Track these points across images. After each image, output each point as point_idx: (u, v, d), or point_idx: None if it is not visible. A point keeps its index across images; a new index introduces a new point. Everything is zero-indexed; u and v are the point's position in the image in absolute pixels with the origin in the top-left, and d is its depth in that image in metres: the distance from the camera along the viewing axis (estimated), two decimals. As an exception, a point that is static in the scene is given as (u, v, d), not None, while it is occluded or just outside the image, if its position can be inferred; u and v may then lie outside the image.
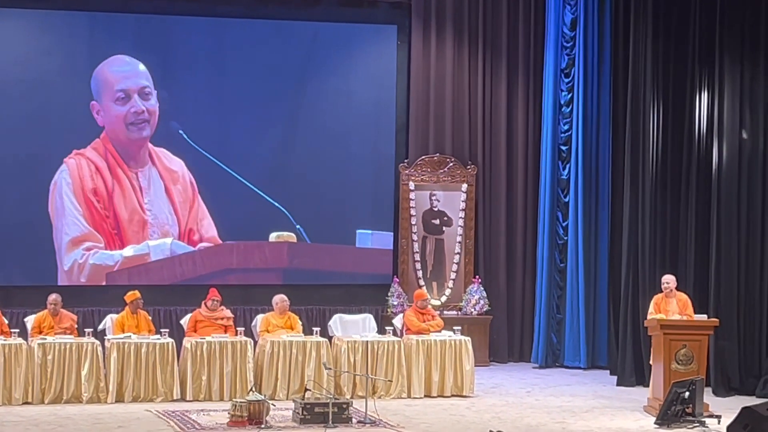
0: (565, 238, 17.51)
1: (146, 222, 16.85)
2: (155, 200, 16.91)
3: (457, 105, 17.80)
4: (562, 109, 17.58)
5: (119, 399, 13.83)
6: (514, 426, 12.75)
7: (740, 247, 15.50)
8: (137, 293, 14.65)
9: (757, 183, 15.53)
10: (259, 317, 15.18)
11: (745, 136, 15.58)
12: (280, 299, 14.97)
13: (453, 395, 14.60)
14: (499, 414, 13.52)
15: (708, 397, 13.82)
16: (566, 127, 17.54)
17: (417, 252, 17.60)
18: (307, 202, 17.34)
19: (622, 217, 16.30)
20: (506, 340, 17.75)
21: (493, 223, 17.88)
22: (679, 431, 12.62)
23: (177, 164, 17.02)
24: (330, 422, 12.39)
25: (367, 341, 14.46)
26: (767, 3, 15.50)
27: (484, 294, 17.37)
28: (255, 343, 14.67)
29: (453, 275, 17.66)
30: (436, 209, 17.73)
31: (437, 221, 17.74)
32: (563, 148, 17.57)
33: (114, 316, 14.81)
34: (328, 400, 12.62)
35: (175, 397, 13.96)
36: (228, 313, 14.95)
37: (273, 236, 17.29)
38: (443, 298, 17.53)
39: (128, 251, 16.75)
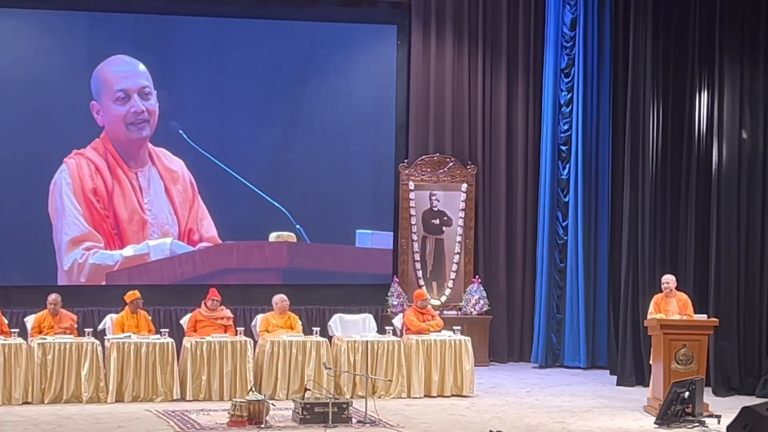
0: (565, 237, 17.51)
1: (146, 222, 16.86)
2: (155, 200, 16.91)
3: (456, 105, 17.81)
4: (562, 109, 17.58)
5: (119, 399, 13.83)
6: (513, 426, 12.75)
7: (740, 247, 15.51)
8: (137, 293, 14.65)
9: (757, 183, 15.53)
10: (259, 317, 15.18)
11: (744, 135, 15.58)
12: (279, 299, 14.97)
13: (453, 395, 14.60)
14: (498, 414, 13.52)
15: (708, 396, 13.82)
16: (566, 127, 17.55)
17: (417, 252, 17.60)
18: (307, 202, 17.35)
19: (622, 217, 16.30)
20: (506, 339, 17.76)
21: (493, 223, 17.89)
22: (678, 431, 12.62)
23: (177, 164, 17.02)
24: (330, 422, 12.39)
25: (367, 341, 14.47)
26: (767, 3, 15.49)
27: (484, 294, 17.38)
28: (255, 342, 14.68)
29: (453, 275, 17.66)
30: (435, 209, 17.73)
31: (437, 221, 17.74)
32: (563, 147, 17.57)
33: (114, 315, 14.81)
34: (328, 400, 12.62)
35: (174, 397, 13.96)
36: (228, 313, 14.95)
37: (273, 236, 17.29)
38: (443, 298, 17.53)
39: (128, 251, 16.76)
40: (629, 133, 16.16)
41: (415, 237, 17.60)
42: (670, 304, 14.06)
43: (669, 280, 14.20)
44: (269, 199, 17.21)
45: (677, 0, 15.96)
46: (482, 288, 17.41)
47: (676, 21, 15.97)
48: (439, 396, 14.57)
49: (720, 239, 15.46)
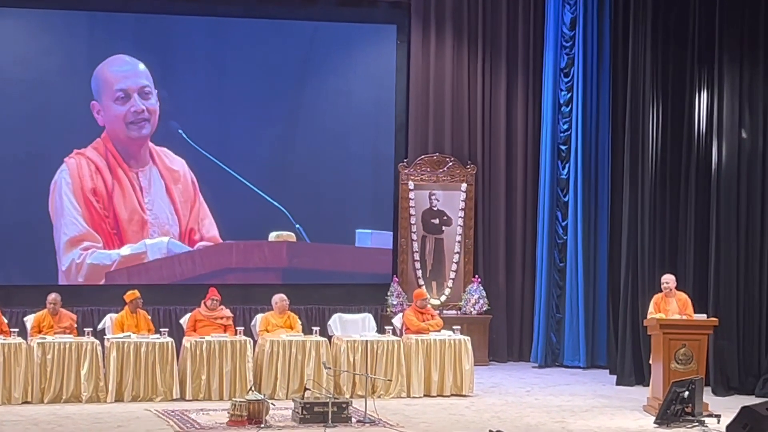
0: (565, 237, 17.51)
1: (146, 222, 16.86)
2: (156, 200, 16.91)
3: (456, 104, 17.81)
4: (562, 109, 17.58)
5: (119, 398, 13.83)
6: (513, 425, 12.75)
7: (739, 247, 15.51)
8: (137, 293, 14.65)
9: (757, 182, 15.53)
10: (259, 317, 15.18)
11: (744, 135, 15.58)
12: (279, 299, 14.97)
13: (452, 395, 14.60)
14: (498, 413, 13.52)
15: (707, 396, 13.83)
16: (566, 127, 17.55)
17: (416, 251, 17.60)
18: (307, 201, 17.35)
19: (622, 217, 16.30)
20: (506, 339, 17.76)
21: (493, 222, 17.89)
22: (678, 431, 12.62)
23: (178, 163, 17.02)
24: (329, 422, 12.38)
25: (367, 341, 14.47)
26: (766, 2, 15.49)
27: (484, 293, 17.38)
28: (254, 342, 14.68)
29: (452, 275, 17.66)
30: (435, 209, 17.74)
31: (437, 221, 17.74)
32: (563, 147, 17.57)
33: (113, 315, 14.81)
34: (328, 400, 12.62)
35: (174, 397, 13.96)
36: (227, 312, 14.95)
37: (272, 236, 17.29)
38: (443, 298, 17.54)
39: (125, 250, 16.75)
40: (629, 132, 16.16)
41: (414, 236, 17.61)
42: (669, 304, 14.06)
43: (669, 279, 14.21)
44: (269, 199, 17.21)
45: (677, 0, 15.97)
46: (482, 287, 17.41)
47: (676, 20, 15.98)
48: (438, 395, 14.57)
49: (719, 239, 15.46)
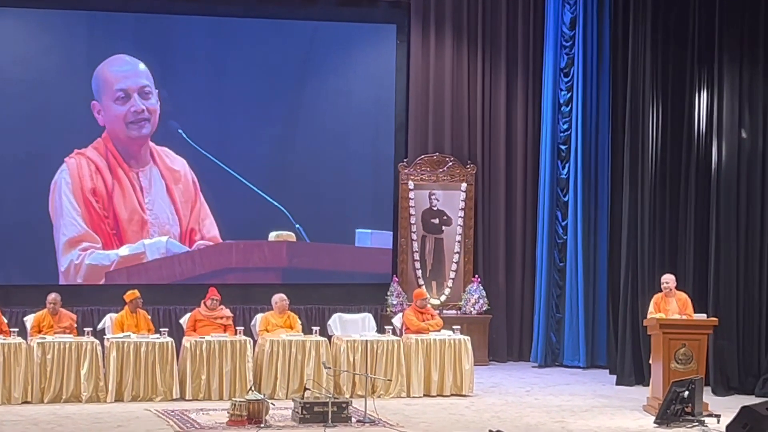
0: (565, 237, 17.51)
1: (146, 222, 16.85)
2: (156, 200, 16.91)
3: (456, 104, 17.81)
4: (562, 109, 17.58)
5: (118, 398, 13.83)
6: (513, 425, 12.75)
7: (739, 247, 15.51)
8: (137, 292, 14.65)
9: (756, 182, 15.53)
10: (259, 316, 15.18)
11: (744, 135, 15.58)
12: (279, 298, 14.97)
13: (452, 394, 14.60)
14: (498, 413, 13.52)
15: (707, 396, 13.83)
16: (565, 127, 17.55)
17: (416, 251, 17.60)
18: (307, 201, 17.35)
19: (622, 217, 16.30)
20: (505, 339, 17.76)
21: (493, 222, 17.89)
22: (678, 430, 12.62)
23: (179, 163, 17.02)
24: (329, 421, 12.39)
25: (367, 340, 14.46)
26: (766, 2, 15.50)
27: (484, 293, 17.38)
28: (254, 342, 14.68)
29: (452, 274, 17.66)
30: (435, 208, 17.74)
31: (436, 220, 17.74)
32: (562, 147, 17.57)
33: (113, 315, 14.81)
34: (328, 400, 12.62)
35: (174, 397, 13.96)
36: (227, 312, 14.95)
37: (272, 235, 17.29)
38: (442, 298, 17.54)
39: (124, 251, 16.75)
40: (629, 132, 16.16)
41: (414, 236, 17.61)
42: (669, 304, 14.07)
43: (668, 279, 14.21)
44: (269, 199, 17.21)
45: (677, 0, 15.98)
46: (482, 287, 17.41)
47: (676, 20, 15.98)
48: (438, 395, 14.57)
49: (719, 239, 15.46)
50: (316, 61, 17.43)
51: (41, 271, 16.48)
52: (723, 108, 15.58)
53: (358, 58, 17.69)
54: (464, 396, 14.58)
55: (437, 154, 17.72)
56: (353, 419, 12.64)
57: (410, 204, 17.61)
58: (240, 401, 12.56)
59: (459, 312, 17.31)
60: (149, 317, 14.80)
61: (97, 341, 14.03)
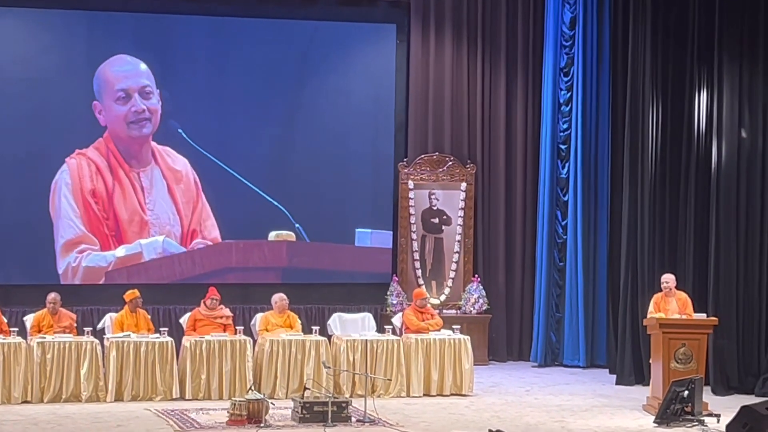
0: (564, 236, 17.51)
1: (147, 222, 16.85)
2: (157, 200, 16.90)
3: (456, 104, 17.81)
4: (561, 108, 17.58)
5: (118, 398, 13.83)
6: (513, 425, 12.75)
7: (739, 246, 15.51)
8: (136, 292, 14.65)
9: (756, 182, 15.53)
10: (259, 316, 15.18)
11: (744, 134, 15.58)
12: (279, 298, 14.96)
13: (452, 394, 14.60)
14: (498, 413, 13.52)
15: (707, 395, 13.84)
16: (565, 126, 17.55)
17: (416, 251, 17.60)
18: (307, 201, 17.35)
19: (621, 216, 16.30)
20: (505, 338, 17.76)
21: (492, 221, 17.89)
22: (678, 430, 12.62)
23: (181, 163, 17.01)
24: (329, 421, 12.39)
25: (367, 340, 14.46)
26: (766, 2, 15.50)
27: (483, 293, 17.38)
28: (254, 342, 14.68)
29: (452, 274, 17.66)
30: (435, 208, 17.74)
31: (436, 220, 17.74)
32: (562, 146, 17.57)
33: (113, 315, 14.81)
34: (328, 399, 12.62)
35: (174, 396, 13.96)
36: (227, 312, 14.95)
37: (272, 235, 17.29)
38: (442, 297, 17.54)
39: (120, 251, 16.73)
40: (628, 131, 16.16)
41: (414, 236, 17.61)
42: (669, 304, 14.06)
43: (668, 279, 14.21)
44: (269, 198, 17.21)
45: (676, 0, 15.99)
46: (481, 287, 17.41)
47: (676, 20, 15.98)
48: (438, 395, 14.57)
49: (719, 238, 15.46)
50: (316, 61, 17.44)
51: (41, 270, 16.47)
52: (723, 107, 15.58)
53: (358, 57, 17.69)
54: (464, 396, 14.58)
55: (437, 153, 17.72)
56: (353, 419, 12.64)
57: (410, 204, 17.61)
58: (240, 401, 12.56)
59: (459, 312, 17.31)
60: (149, 317, 14.80)
61: (96, 341, 14.03)
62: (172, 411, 13.18)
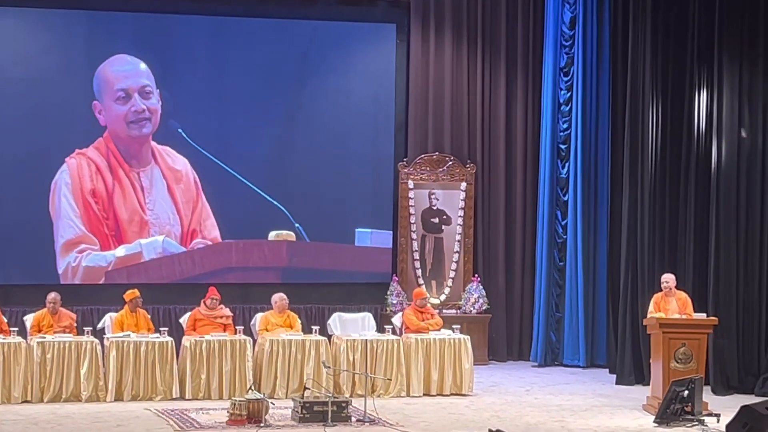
0: (564, 236, 17.51)
1: (147, 222, 16.84)
2: (157, 200, 16.90)
3: (456, 104, 17.81)
4: (561, 108, 17.58)
5: (118, 397, 13.84)
6: (513, 424, 12.75)
7: (739, 246, 15.51)
8: (136, 292, 14.65)
9: (756, 181, 15.53)
10: (258, 316, 15.18)
11: (743, 134, 15.58)
12: (279, 298, 14.96)
13: (452, 394, 14.60)
14: (498, 412, 13.52)
15: (707, 395, 13.84)
16: (565, 126, 17.55)
17: (416, 251, 17.60)
18: (306, 200, 17.35)
19: (621, 216, 16.30)
20: (505, 338, 17.76)
21: (492, 221, 17.89)
22: (678, 430, 12.62)
23: (181, 163, 17.01)
24: (329, 421, 12.39)
25: (366, 340, 14.46)
26: (766, 2, 15.50)
27: (483, 292, 17.38)
28: (254, 341, 14.68)
29: (452, 274, 17.66)
30: (435, 208, 17.73)
31: (436, 220, 17.74)
32: (562, 146, 17.57)
33: (113, 314, 14.80)
34: (327, 399, 12.62)
35: (174, 396, 13.96)
36: (227, 311, 14.95)
37: (272, 235, 17.29)
38: (442, 297, 17.54)
39: (120, 251, 16.73)
40: (628, 131, 16.16)
41: (414, 236, 17.61)
42: (669, 303, 14.06)
43: (668, 279, 14.20)
44: (268, 198, 17.21)
45: (676, -1, 16.01)
46: (481, 287, 17.41)
47: (675, 19, 15.98)
48: (438, 395, 14.57)
49: (719, 238, 15.46)
50: (316, 61, 17.43)
51: (41, 270, 16.47)
52: (723, 107, 15.58)
53: (358, 57, 17.69)
54: (464, 395, 14.58)
55: (437, 153, 17.72)
56: (353, 418, 12.64)
57: (410, 203, 17.61)
58: (240, 400, 12.56)
59: (459, 311, 17.30)
60: (149, 316, 14.81)
61: (96, 341, 14.03)
62: (172, 411, 13.19)
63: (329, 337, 14.99)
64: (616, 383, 15.78)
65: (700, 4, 15.78)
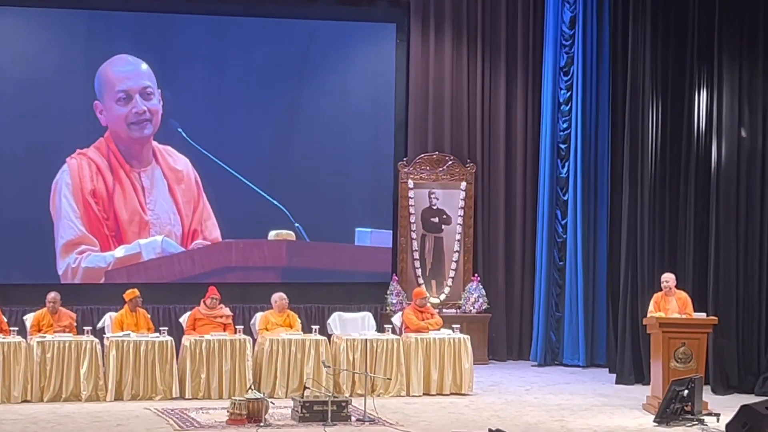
0: (564, 236, 17.51)
1: (147, 223, 16.84)
2: (158, 200, 16.90)
3: (456, 103, 17.81)
4: (561, 108, 17.58)
5: (118, 397, 13.84)
6: (513, 424, 12.75)
7: (739, 246, 15.51)
8: (136, 291, 14.65)
9: (756, 181, 15.53)
10: (258, 315, 15.18)
11: (743, 134, 15.58)
12: (279, 297, 14.96)
13: (452, 393, 14.60)
14: (498, 412, 13.52)
15: (707, 395, 13.85)
16: (565, 126, 17.55)
17: (416, 250, 17.60)
18: (306, 200, 17.35)
19: (621, 215, 16.30)
20: (505, 338, 17.76)
21: (492, 221, 17.89)
22: (678, 429, 12.62)
23: (182, 163, 17.01)
24: (329, 420, 12.39)
25: (366, 339, 14.46)
26: (766, 2, 15.50)
27: (483, 292, 17.38)
28: (254, 341, 14.68)
29: (452, 273, 17.66)
30: (435, 207, 17.74)
31: (436, 219, 17.75)
32: (562, 146, 17.57)
33: (113, 314, 14.80)
34: (327, 398, 12.62)
35: (174, 395, 13.96)
36: (227, 311, 14.95)
37: (272, 234, 17.29)
38: (442, 296, 17.54)
39: (119, 251, 16.73)
40: (628, 131, 16.16)
41: (414, 235, 17.61)
42: (669, 303, 14.06)
43: (668, 278, 14.20)
44: (268, 198, 17.21)
45: (676, -1, 16.01)
46: (481, 286, 17.41)
47: (675, 19, 15.98)
48: (438, 394, 14.57)
49: (719, 237, 15.46)
50: (315, 60, 17.43)
51: (41, 270, 16.47)
52: (722, 107, 15.58)
53: (358, 57, 17.69)
54: (464, 395, 14.58)
55: (437, 153, 17.72)
56: (353, 418, 12.64)
57: (410, 203, 17.61)
58: (239, 400, 12.56)
59: (458, 311, 17.31)
60: (149, 316, 14.80)
61: (96, 340, 14.03)
62: (172, 410, 13.18)
63: (329, 336, 14.99)
64: (616, 383, 15.78)
65: (700, 4, 15.78)
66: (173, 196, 16.97)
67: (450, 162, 17.72)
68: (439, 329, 15.05)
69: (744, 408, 11.33)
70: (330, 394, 12.94)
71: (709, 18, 15.69)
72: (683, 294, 14.24)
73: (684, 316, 13.83)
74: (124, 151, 16.80)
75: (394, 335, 14.85)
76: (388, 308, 17.05)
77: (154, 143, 16.93)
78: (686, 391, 12.71)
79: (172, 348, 14.06)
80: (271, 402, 13.02)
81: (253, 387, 13.35)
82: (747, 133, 15.57)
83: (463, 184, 17.73)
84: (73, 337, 14.01)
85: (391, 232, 17.68)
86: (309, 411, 12.48)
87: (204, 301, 14.84)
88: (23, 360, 13.67)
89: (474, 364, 14.92)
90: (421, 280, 17.46)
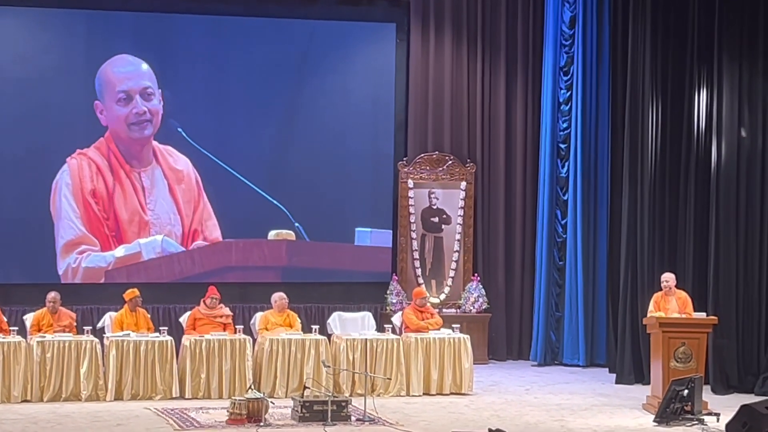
0: (564, 236, 17.51)
1: (148, 223, 16.84)
2: (158, 200, 16.90)
3: (455, 103, 17.81)
4: (561, 107, 17.58)
5: (118, 397, 13.84)
6: (512, 424, 12.75)
7: (739, 245, 15.51)
8: (136, 291, 14.65)
9: (756, 181, 15.53)
10: (258, 315, 15.18)
11: (743, 134, 15.58)
12: (279, 297, 14.96)
13: (452, 393, 14.60)
14: (498, 412, 13.52)
15: (707, 395, 13.85)
16: (565, 125, 17.55)
17: (416, 250, 17.60)
18: (306, 200, 17.35)
19: (621, 215, 16.30)
20: (505, 338, 17.76)
21: (492, 221, 17.89)
22: (677, 429, 12.62)
23: (182, 163, 17.01)
24: (329, 420, 12.39)
25: (366, 339, 14.46)
26: (766, 2, 15.50)
27: (483, 292, 17.38)
28: (254, 341, 14.68)
29: (452, 273, 17.67)
30: (435, 207, 17.74)
31: (436, 219, 17.75)
32: (562, 146, 17.57)
33: (113, 314, 14.80)
34: (327, 398, 12.62)
35: (174, 395, 13.96)
36: (227, 311, 14.95)
37: (272, 234, 17.29)
38: (442, 296, 17.54)
39: (120, 251, 16.73)
40: (628, 131, 16.16)
41: (414, 235, 17.61)
42: (669, 303, 14.06)
43: (668, 278, 14.20)
44: (268, 197, 17.21)
45: (676, -2, 16.01)
46: (481, 286, 17.42)
47: (675, 19, 15.98)
48: (438, 394, 14.57)
49: (719, 237, 15.46)
50: (315, 60, 17.44)
51: (41, 270, 16.47)
52: (722, 106, 15.58)
53: (358, 56, 17.69)
54: (464, 395, 14.58)
55: (437, 152, 17.72)
56: (353, 418, 12.64)
57: (410, 203, 17.61)
58: (239, 400, 12.57)
59: (458, 311, 17.31)
60: (149, 316, 14.81)
61: (96, 340, 14.04)
62: (172, 410, 13.18)
63: (329, 336, 14.99)
64: (616, 382, 15.78)
65: (700, 4, 15.79)
66: (173, 196, 16.97)
67: (450, 162, 17.72)
68: (439, 329, 15.05)
69: (744, 408, 11.33)
70: (330, 394, 12.94)
71: (709, 18, 15.69)
72: (683, 294, 14.24)
73: (684, 316, 13.83)
74: (124, 151, 16.81)
75: (394, 335, 14.85)
76: (388, 308, 17.06)
77: (155, 143, 16.93)
78: (686, 391, 12.71)
79: (172, 348, 14.06)
80: (271, 402, 13.02)
81: (253, 387, 13.35)
82: (747, 133, 15.57)
83: (463, 184, 17.73)
84: (73, 337, 14.01)
85: (391, 231, 17.68)
86: (309, 411, 12.49)
87: (204, 301, 14.85)
88: (23, 360, 13.67)
89: (474, 363, 14.92)
90: (421, 280, 17.46)
